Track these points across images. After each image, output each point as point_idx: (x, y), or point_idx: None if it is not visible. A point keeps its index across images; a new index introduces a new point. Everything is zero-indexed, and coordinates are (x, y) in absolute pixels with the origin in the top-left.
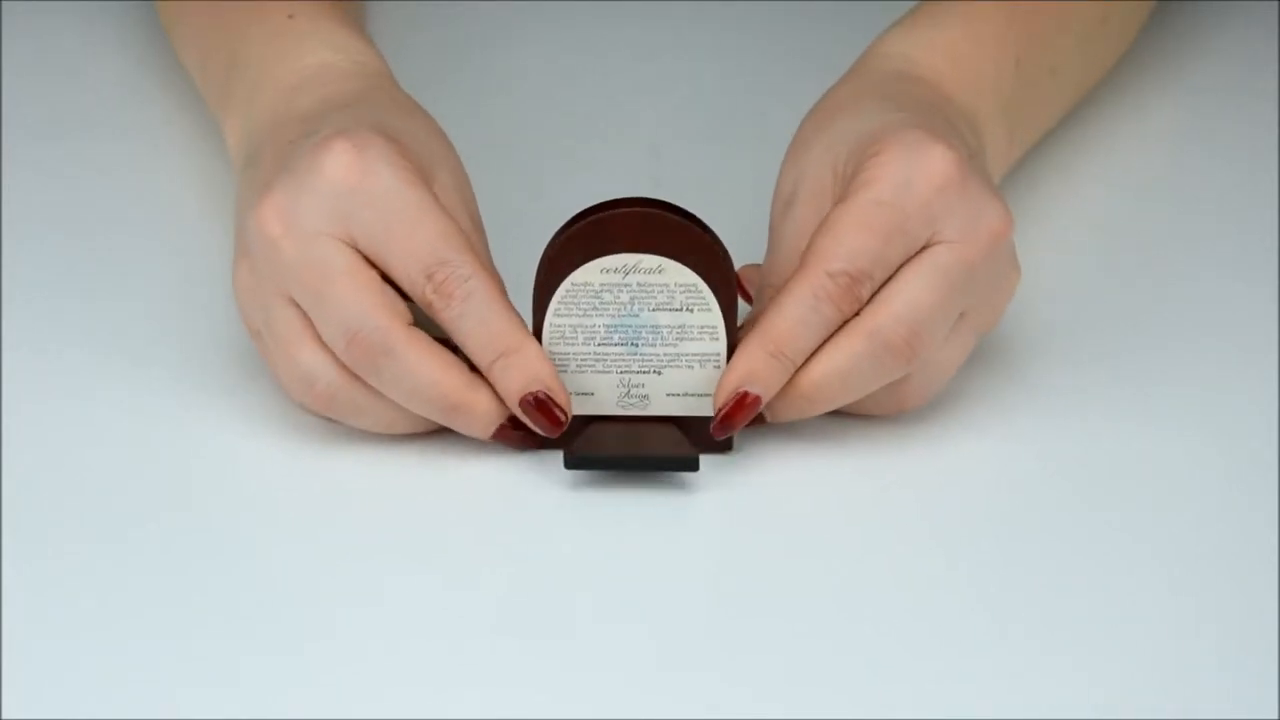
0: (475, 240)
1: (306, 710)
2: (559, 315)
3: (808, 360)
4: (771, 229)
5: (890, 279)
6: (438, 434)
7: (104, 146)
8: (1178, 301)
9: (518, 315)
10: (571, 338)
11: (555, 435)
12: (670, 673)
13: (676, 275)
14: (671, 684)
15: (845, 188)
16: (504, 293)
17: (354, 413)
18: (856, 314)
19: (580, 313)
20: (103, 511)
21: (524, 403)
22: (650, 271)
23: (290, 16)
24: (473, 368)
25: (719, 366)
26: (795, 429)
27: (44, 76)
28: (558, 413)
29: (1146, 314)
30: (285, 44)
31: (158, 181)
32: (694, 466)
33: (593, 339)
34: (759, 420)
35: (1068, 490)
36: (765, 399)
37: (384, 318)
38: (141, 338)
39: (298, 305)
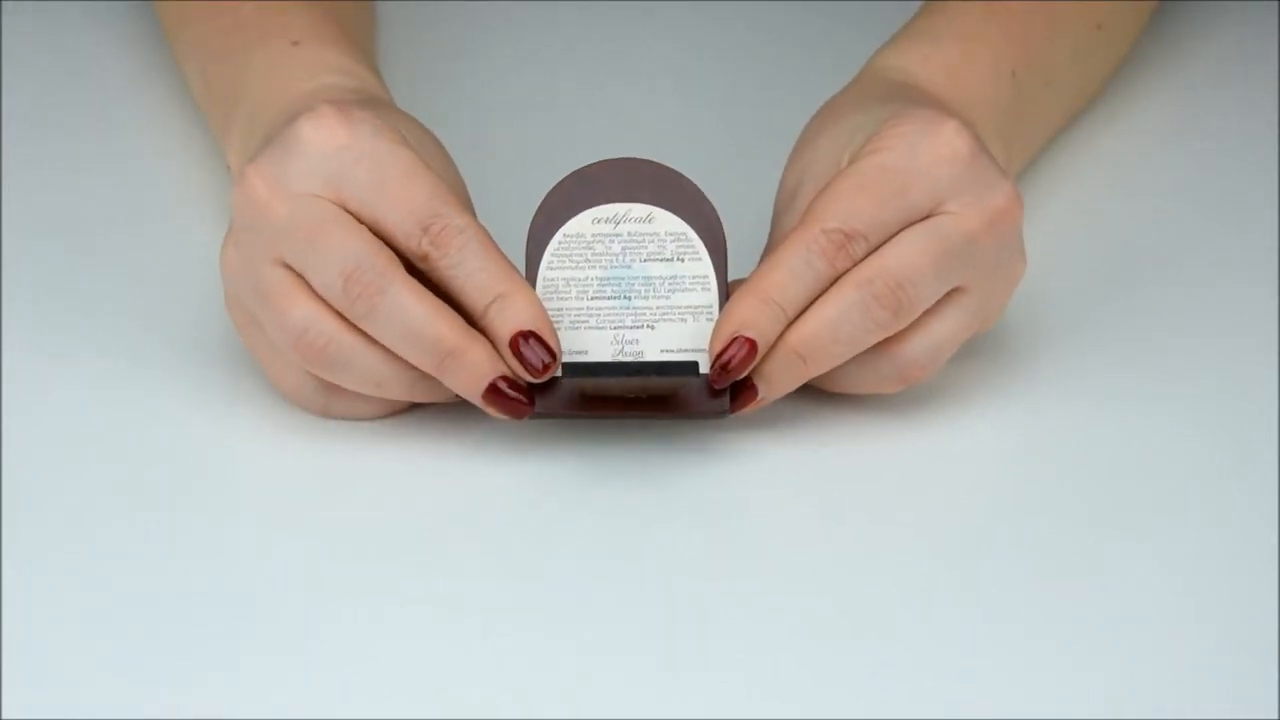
0: None
1: (308, 708)
2: (552, 269)
3: (800, 316)
4: (774, 221)
5: (888, 240)
6: (437, 429)
7: (103, 146)
8: (1177, 296)
9: (512, 264)
10: (565, 292)
11: (542, 377)
12: (669, 670)
13: (666, 224)
14: (670, 681)
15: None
16: (496, 244)
17: (344, 365)
18: None
19: (573, 265)
20: (100, 510)
21: (514, 341)
22: (640, 220)
23: (295, 43)
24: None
25: (711, 319)
26: (795, 420)
27: (44, 76)
28: (546, 354)
29: (1146, 309)
30: (287, 73)
31: (157, 181)
32: (694, 371)
33: (586, 292)
34: (753, 393)
35: (1068, 485)
36: (761, 346)
37: (379, 252)
38: (140, 337)
39: (288, 267)
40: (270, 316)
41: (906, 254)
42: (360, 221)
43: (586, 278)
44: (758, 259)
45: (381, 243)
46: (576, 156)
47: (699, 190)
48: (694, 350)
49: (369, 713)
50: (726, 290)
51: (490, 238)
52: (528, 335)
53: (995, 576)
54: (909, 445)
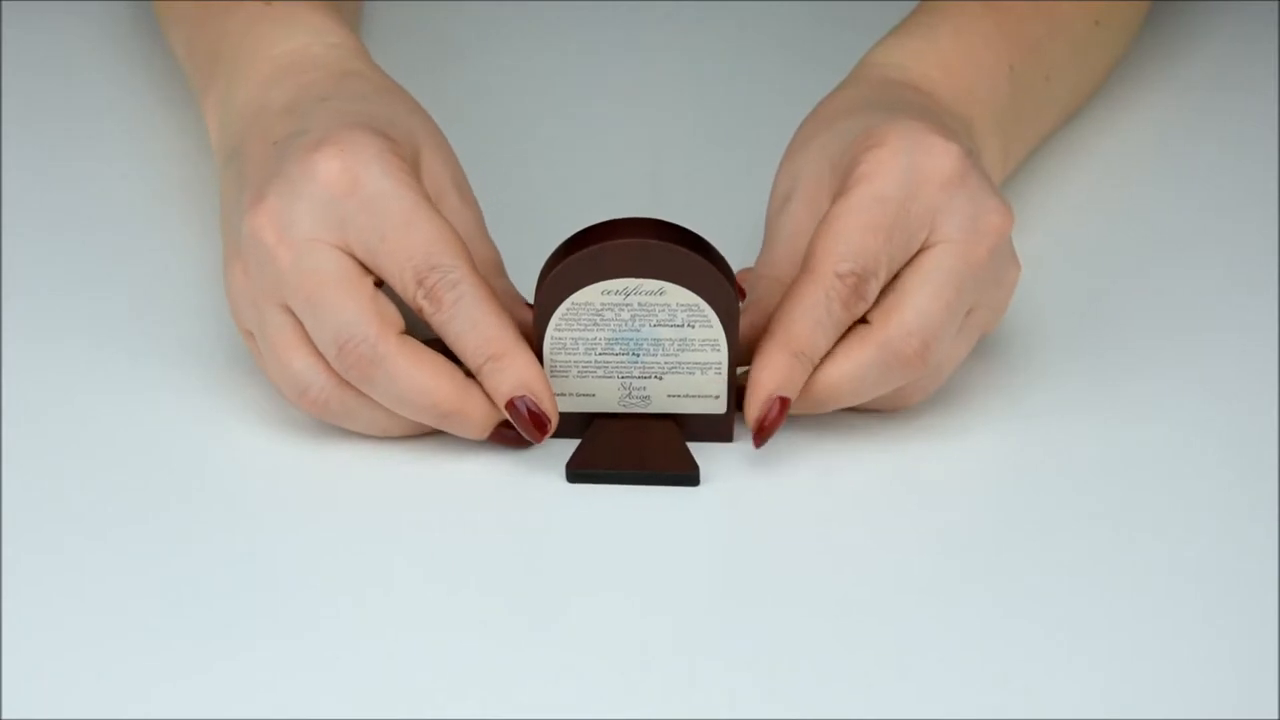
0: (468, 215)
1: (309, 707)
2: (559, 330)
3: (820, 363)
4: (768, 225)
5: (896, 281)
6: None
7: (103, 143)
8: (1176, 297)
9: (508, 318)
10: (573, 348)
11: (539, 441)
12: (672, 667)
13: (678, 296)
14: (673, 678)
15: (844, 180)
16: (494, 296)
17: (347, 417)
18: (864, 318)
19: (581, 327)
20: (100, 508)
21: (509, 407)
22: (651, 293)
23: (268, 2)
24: (467, 371)
25: (720, 373)
26: (797, 419)
27: (43, 76)
28: (543, 419)
29: (1146, 310)
30: (261, 31)
31: (157, 178)
32: (695, 481)
33: (594, 349)
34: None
35: (1068, 486)
36: (791, 399)
37: (374, 327)
38: (139, 334)
39: (291, 311)
40: (272, 359)
41: (923, 305)
42: (366, 269)
43: (594, 338)
44: (755, 257)
45: (379, 304)
46: (574, 156)
47: (710, 262)
48: (702, 396)
49: (373, 712)
50: (736, 349)
51: (486, 289)
52: (521, 399)
53: (996, 577)
54: (912, 440)
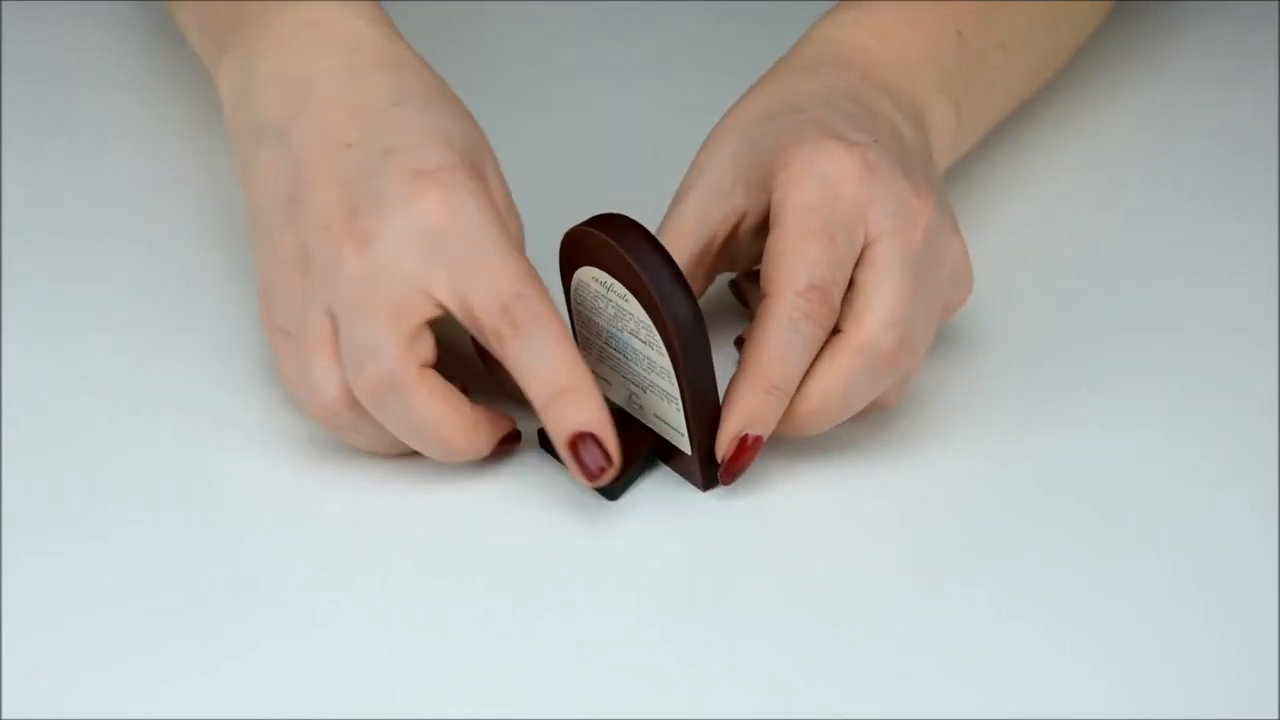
0: (516, 222)
1: (311, 707)
2: (576, 300)
3: (801, 384)
4: (671, 205)
5: (852, 286)
6: None
7: (103, 144)
8: (1157, 296)
9: (581, 358)
10: (588, 327)
11: (597, 481)
12: (664, 676)
13: (637, 310)
14: (666, 686)
15: (764, 210)
16: (570, 335)
17: (351, 432)
18: (836, 328)
19: (588, 308)
20: (101, 508)
21: (572, 444)
22: (622, 297)
23: None
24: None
25: (679, 410)
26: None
27: (44, 76)
28: (603, 459)
29: (1126, 309)
30: (278, 10)
31: (161, 175)
32: (610, 497)
33: (600, 335)
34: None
35: (1048, 492)
36: (767, 436)
37: (401, 352)
38: (141, 332)
39: (333, 319)
40: (296, 358)
41: (888, 299)
42: (439, 301)
43: (599, 324)
44: None
45: (415, 335)
46: (576, 158)
47: (655, 291)
48: (671, 428)
49: (376, 711)
50: (699, 406)
51: (564, 325)
52: (585, 437)
53: (985, 584)
54: (888, 454)
